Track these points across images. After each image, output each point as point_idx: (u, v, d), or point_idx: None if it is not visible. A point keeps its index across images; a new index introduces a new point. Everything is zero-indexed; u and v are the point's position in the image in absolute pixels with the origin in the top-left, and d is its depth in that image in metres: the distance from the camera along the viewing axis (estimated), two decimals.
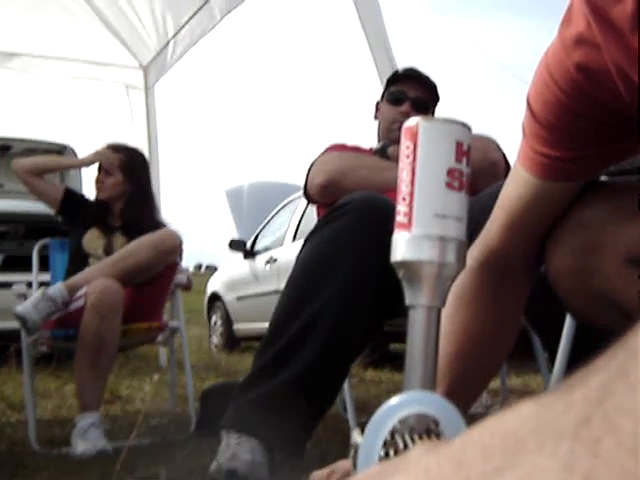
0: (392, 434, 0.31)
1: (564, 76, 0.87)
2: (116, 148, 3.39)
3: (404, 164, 0.60)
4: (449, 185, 0.59)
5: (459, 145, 0.60)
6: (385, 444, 0.30)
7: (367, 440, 0.30)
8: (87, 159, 3.35)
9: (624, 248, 0.93)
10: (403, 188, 0.60)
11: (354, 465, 0.36)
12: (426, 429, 0.40)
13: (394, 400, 0.31)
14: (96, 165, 3.35)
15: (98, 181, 3.31)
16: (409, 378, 0.46)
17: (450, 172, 0.59)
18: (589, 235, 0.97)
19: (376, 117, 2.85)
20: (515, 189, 1.05)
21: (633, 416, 0.18)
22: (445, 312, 0.73)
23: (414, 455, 0.24)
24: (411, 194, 0.59)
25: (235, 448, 1.95)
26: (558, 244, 1.03)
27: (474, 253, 1.14)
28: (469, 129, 0.62)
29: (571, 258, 1.00)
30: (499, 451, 0.21)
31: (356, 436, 0.34)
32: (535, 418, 0.21)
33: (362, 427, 0.32)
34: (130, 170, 3.34)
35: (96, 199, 3.35)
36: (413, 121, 0.62)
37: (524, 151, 1.01)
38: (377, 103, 2.86)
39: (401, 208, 0.60)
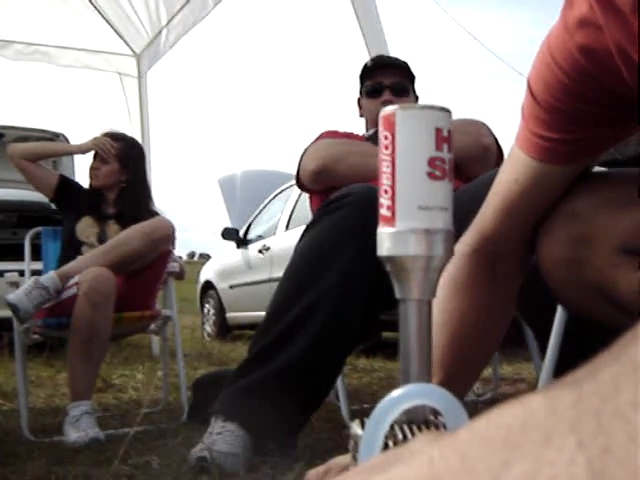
0: (391, 426, 0.31)
1: (566, 58, 0.86)
2: (115, 137, 3.40)
3: (384, 155, 0.59)
4: (431, 175, 0.57)
5: (438, 132, 0.58)
6: (385, 436, 0.30)
7: (368, 432, 0.29)
8: (84, 146, 3.34)
9: (617, 238, 0.92)
10: (384, 181, 0.58)
11: (354, 457, 0.36)
12: (425, 421, 0.40)
13: (396, 392, 0.31)
14: (91, 153, 3.36)
15: (94, 168, 3.30)
16: (404, 372, 0.46)
17: (431, 161, 0.58)
18: (581, 226, 0.96)
19: (361, 114, 2.85)
20: (512, 172, 1.04)
21: None
22: (436, 301, 0.73)
23: (417, 445, 0.23)
24: (393, 187, 0.57)
25: (215, 437, 1.96)
26: (549, 235, 1.02)
27: (467, 239, 1.13)
28: (449, 113, 0.60)
29: (563, 249, 0.99)
30: (505, 444, 0.20)
31: (356, 428, 0.34)
32: (543, 411, 0.21)
33: (361, 418, 0.32)
34: (127, 160, 3.35)
35: (90, 187, 3.35)
36: (390, 109, 0.60)
37: (523, 134, 1.00)
38: (358, 100, 2.86)
39: (384, 201, 0.58)
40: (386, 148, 0.59)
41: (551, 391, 0.22)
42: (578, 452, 0.19)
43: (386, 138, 0.59)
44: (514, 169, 1.04)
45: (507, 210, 1.06)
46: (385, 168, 0.58)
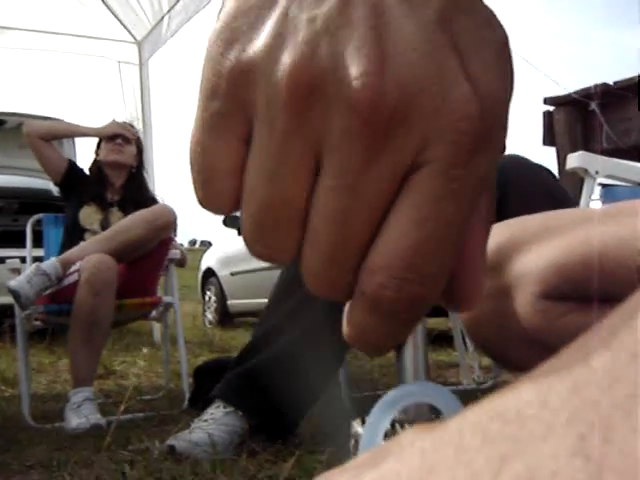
0: (392, 424, 0.31)
1: None
2: (132, 125, 3.56)
3: None
4: None
5: None
6: (385, 435, 0.30)
7: (368, 431, 0.30)
8: (105, 129, 3.37)
9: (537, 285, 0.86)
10: None
11: (354, 456, 0.36)
12: (427, 420, 0.40)
13: (396, 390, 0.31)
14: (94, 139, 3.42)
15: (118, 144, 3.35)
16: (402, 370, 0.47)
17: None
18: (496, 278, 0.91)
19: None
20: None
21: None
22: None
23: (406, 438, 0.23)
24: None
25: (196, 424, 1.98)
26: None
27: None
28: None
29: (486, 303, 0.92)
30: (502, 437, 0.20)
31: (356, 426, 0.34)
32: (536, 402, 0.21)
33: (362, 417, 0.32)
34: (140, 148, 3.49)
35: (97, 172, 3.36)
36: None
37: None
38: None
39: None
40: None
41: (541, 378, 0.21)
42: (580, 445, 0.18)
43: None
44: None
45: None
46: None
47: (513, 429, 0.20)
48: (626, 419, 0.19)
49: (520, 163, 2.17)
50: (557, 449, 0.19)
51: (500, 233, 0.96)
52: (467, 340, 3.43)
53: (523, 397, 0.21)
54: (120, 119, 3.58)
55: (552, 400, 0.20)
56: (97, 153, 3.42)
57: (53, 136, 3.29)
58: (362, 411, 0.33)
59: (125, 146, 3.35)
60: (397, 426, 0.31)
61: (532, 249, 0.90)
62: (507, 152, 2.55)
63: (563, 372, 0.21)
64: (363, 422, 0.32)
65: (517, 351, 1.03)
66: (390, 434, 0.31)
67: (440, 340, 5.13)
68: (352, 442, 0.34)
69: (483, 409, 0.22)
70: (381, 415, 0.29)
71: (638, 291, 0.22)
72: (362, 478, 0.23)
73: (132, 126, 3.53)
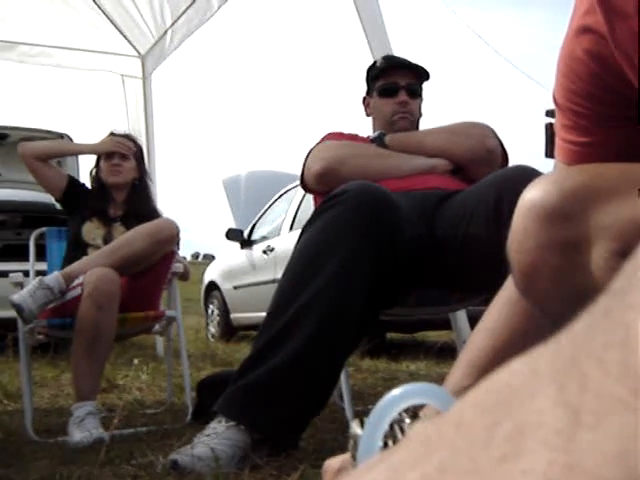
0: (391, 425, 0.31)
1: (578, 64, 0.86)
2: (130, 137, 3.49)
3: None
4: None
5: None
6: (384, 436, 0.30)
7: (368, 432, 0.29)
8: (100, 147, 3.35)
9: (616, 241, 0.81)
10: None
11: (354, 457, 0.36)
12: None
13: (396, 391, 0.31)
14: (93, 156, 3.40)
15: (115, 165, 3.32)
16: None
17: None
18: (570, 227, 0.86)
19: (368, 114, 2.83)
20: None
21: (618, 348, 0.19)
22: (493, 305, 0.67)
23: (414, 431, 0.24)
24: None
25: (199, 438, 1.98)
26: (531, 238, 0.89)
27: None
28: None
29: (549, 255, 0.87)
30: (496, 405, 0.22)
31: (355, 428, 0.33)
32: (526, 369, 0.22)
33: (360, 418, 0.32)
34: (140, 159, 3.45)
35: (99, 187, 3.36)
36: None
37: (557, 144, 0.98)
38: (364, 100, 2.85)
39: None
40: None
41: (533, 351, 0.23)
42: (559, 396, 0.20)
43: None
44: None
45: None
46: None
47: (505, 397, 0.22)
48: (599, 366, 0.20)
49: (529, 173, 2.17)
50: (541, 404, 0.20)
51: (573, 177, 0.90)
52: None
53: (514, 368, 0.23)
54: (119, 131, 3.54)
55: (539, 365, 0.22)
56: (96, 167, 3.41)
57: (48, 156, 3.28)
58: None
59: (123, 164, 3.32)
60: (396, 427, 0.31)
61: (612, 200, 0.82)
62: (512, 163, 2.55)
63: (552, 342, 0.23)
64: (362, 424, 0.32)
65: (575, 311, 0.97)
66: (389, 435, 0.31)
67: (444, 352, 5.12)
68: (351, 443, 0.34)
69: (480, 388, 0.24)
70: (380, 416, 0.29)
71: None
72: (373, 470, 0.23)
73: (129, 137, 3.48)
